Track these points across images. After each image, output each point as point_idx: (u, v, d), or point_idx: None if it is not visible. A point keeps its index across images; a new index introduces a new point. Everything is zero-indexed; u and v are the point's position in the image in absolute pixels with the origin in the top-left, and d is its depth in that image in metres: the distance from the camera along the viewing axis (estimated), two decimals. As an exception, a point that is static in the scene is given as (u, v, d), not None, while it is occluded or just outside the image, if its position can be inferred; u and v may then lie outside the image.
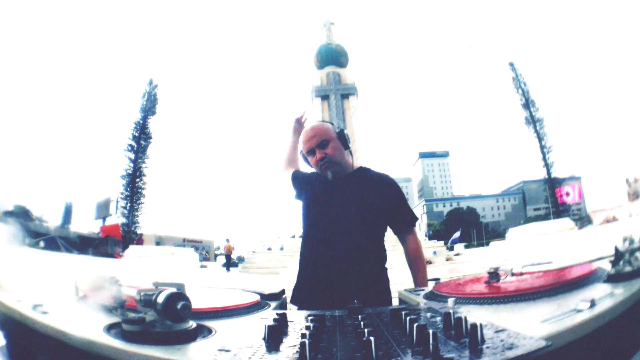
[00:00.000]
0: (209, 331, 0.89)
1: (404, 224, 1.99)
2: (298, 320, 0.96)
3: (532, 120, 39.05)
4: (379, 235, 1.93)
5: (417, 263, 1.96)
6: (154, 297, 0.81)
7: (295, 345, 0.66)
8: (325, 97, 30.58)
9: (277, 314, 0.90)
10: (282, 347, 0.72)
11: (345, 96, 30.68)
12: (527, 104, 39.49)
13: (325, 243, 1.84)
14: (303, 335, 0.66)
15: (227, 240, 23.55)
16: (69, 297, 1.25)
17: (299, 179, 2.15)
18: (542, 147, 38.57)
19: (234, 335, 0.83)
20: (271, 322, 0.81)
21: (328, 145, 1.92)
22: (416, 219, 2.03)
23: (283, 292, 1.68)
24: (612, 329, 0.78)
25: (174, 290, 0.81)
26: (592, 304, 0.80)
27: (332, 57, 32.41)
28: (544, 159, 38.57)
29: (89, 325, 0.89)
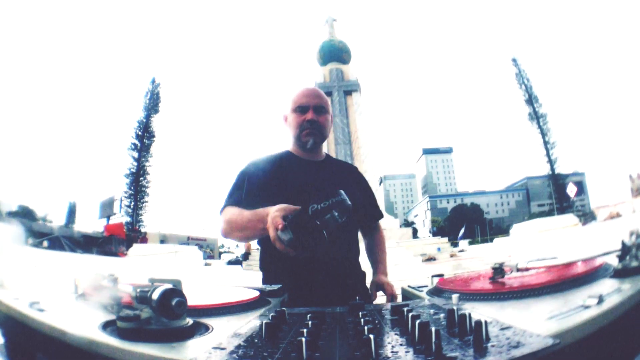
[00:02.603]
0: (206, 328, 0.87)
1: (373, 219, 1.92)
2: (297, 317, 0.94)
3: (536, 116, 39.06)
4: (357, 230, 1.85)
5: (383, 252, 1.87)
6: (148, 294, 0.79)
7: (292, 343, 0.64)
8: (328, 94, 30.52)
9: (276, 311, 0.88)
10: (279, 345, 0.70)
11: (348, 93, 30.73)
12: (531, 100, 39.50)
13: None
14: (300, 334, 0.64)
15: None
16: (67, 294, 1.25)
17: (250, 176, 1.69)
18: (545, 143, 38.60)
19: (231, 332, 0.81)
20: (268, 320, 0.79)
21: (324, 115, 1.72)
22: (382, 215, 1.95)
23: (284, 288, 1.66)
24: (620, 325, 0.76)
25: (168, 286, 0.80)
26: (600, 300, 0.77)
27: (334, 53, 32.43)
28: (548, 154, 38.62)
29: (85, 322, 0.88)
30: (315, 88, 1.79)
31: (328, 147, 26.87)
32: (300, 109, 1.69)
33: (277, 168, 1.67)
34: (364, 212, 1.82)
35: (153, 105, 37.20)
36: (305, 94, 1.71)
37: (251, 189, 1.62)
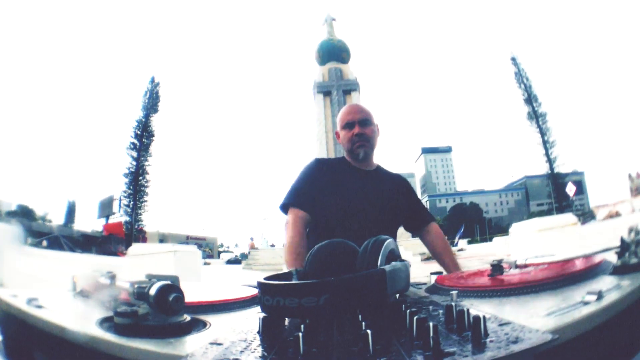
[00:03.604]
0: (203, 325, 0.87)
1: (424, 223, 2.02)
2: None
3: (535, 116, 39.03)
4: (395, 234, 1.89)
5: (447, 252, 1.95)
6: (146, 290, 0.79)
7: (290, 339, 0.64)
8: (327, 93, 30.60)
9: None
10: (276, 341, 0.69)
11: (347, 92, 30.67)
12: (530, 99, 39.47)
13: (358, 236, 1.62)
14: (298, 328, 0.63)
15: (251, 239, 24.10)
16: (65, 292, 1.25)
17: (311, 177, 1.89)
18: (544, 142, 38.56)
19: (229, 329, 0.81)
20: (266, 315, 0.79)
21: (369, 127, 1.91)
22: (433, 218, 2.06)
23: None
24: (619, 322, 0.76)
25: (166, 282, 0.80)
26: (599, 296, 0.77)
27: (333, 52, 32.39)
28: (547, 154, 38.57)
29: (82, 318, 0.88)
30: (357, 104, 2.01)
31: (327, 147, 26.85)
32: (348, 125, 1.89)
33: (334, 174, 1.87)
34: (413, 217, 2.00)
35: (152, 104, 37.11)
36: (349, 111, 1.93)
37: (311, 190, 1.82)
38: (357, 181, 1.86)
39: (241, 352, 0.64)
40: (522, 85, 40.00)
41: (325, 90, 30.73)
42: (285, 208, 1.84)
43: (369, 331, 0.59)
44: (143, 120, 36.73)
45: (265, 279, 0.89)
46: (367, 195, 1.82)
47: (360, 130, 1.86)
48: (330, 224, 1.77)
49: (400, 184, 2.02)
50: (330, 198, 1.78)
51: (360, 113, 1.90)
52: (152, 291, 0.78)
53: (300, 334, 0.60)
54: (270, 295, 0.78)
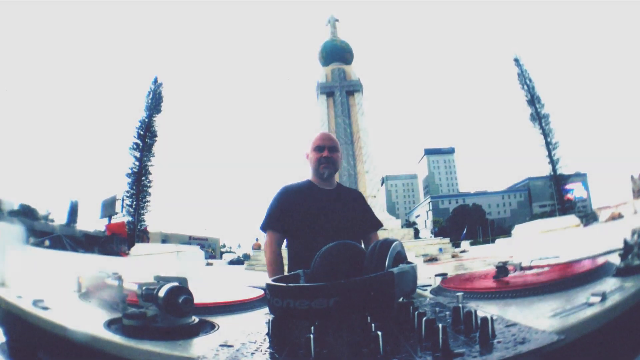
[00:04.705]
0: (212, 326, 0.87)
1: (373, 228, 2.30)
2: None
3: (538, 117, 38.74)
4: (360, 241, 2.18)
5: None
6: (155, 291, 0.79)
7: (300, 341, 0.64)
8: (330, 94, 30.56)
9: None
10: (286, 342, 0.70)
11: (350, 93, 30.65)
12: (533, 101, 39.19)
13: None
14: (308, 331, 0.64)
15: (257, 239, 24.03)
16: (70, 293, 1.25)
17: (282, 202, 2.19)
18: (547, 144, 38.28)
19: (238, 330, 0.81)
20: (275, 317, 0.79)
21: (336, 154, 2.22)
22: (381, 224, 2.37)
23: None
24: (623, 322, 0.76)
25: (175, 284, 0.80)
26: (604, 297, 0.78)
27: (337, 53, 32.31)
28: (550, 155, 38.31)
29: (89, 320, 0.88)
30: (329, 133, 2.37)
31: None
32: (318, 149, 2.19)
33: (301, 196, 2.16)
34: (365, 224, 2.24)
35: (155, 104, 36.93)
36: (322, 137, 2.23)
37: (282, 214, 2.13)
38: (323, 199, 2.17)
39: (252, 354, 0.64)
40: (525, 87, 39.71)
41: (328, 91, 30.69)
42: (264, 229, 2.18)
43: (379, 332, 0.59)
44: (146, 120, 36.61)
45: (273, 280, 0.90)
46: (333, 211, 2.12)
47: (328, 154, 2.16)
48: (305, 239, 2.05)
49: (357, 198, 2.32)
50: (302, 217, 2.09)
51: (331, 141, 2.22)
52: (162, 293, 0.78)
53: (312, 336, 0.60)
54: (280, 297, 0.78)
